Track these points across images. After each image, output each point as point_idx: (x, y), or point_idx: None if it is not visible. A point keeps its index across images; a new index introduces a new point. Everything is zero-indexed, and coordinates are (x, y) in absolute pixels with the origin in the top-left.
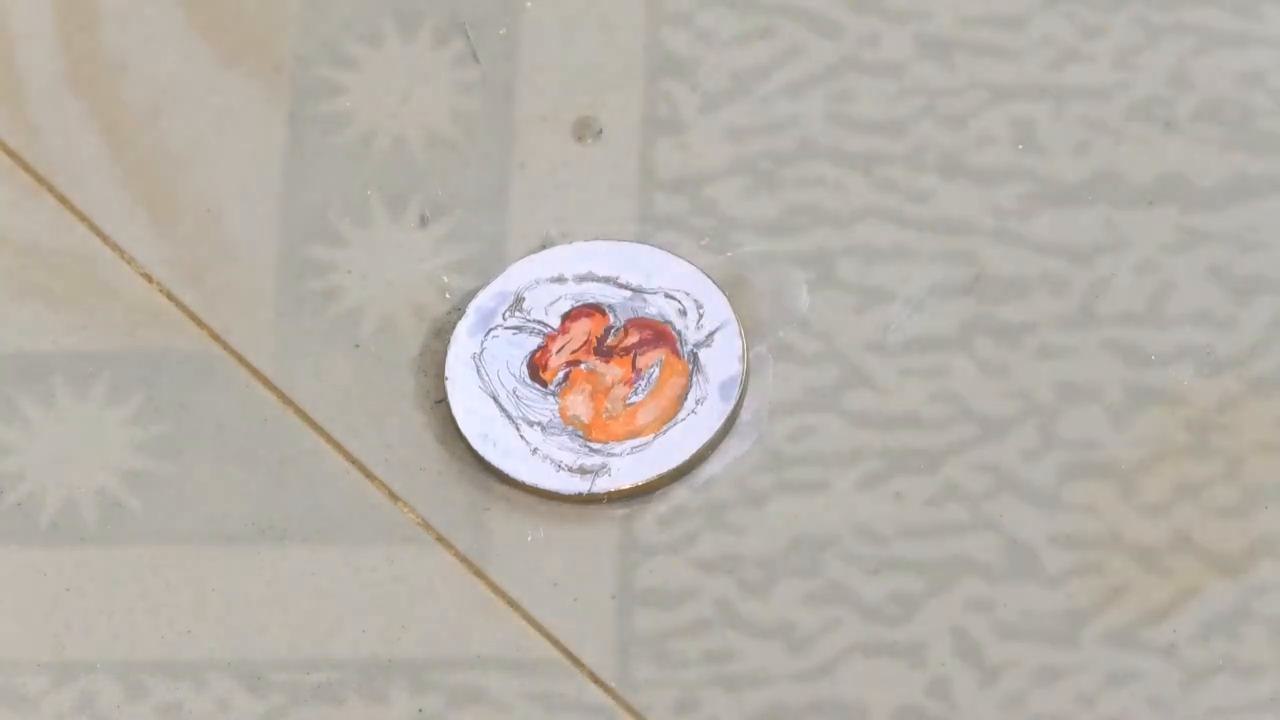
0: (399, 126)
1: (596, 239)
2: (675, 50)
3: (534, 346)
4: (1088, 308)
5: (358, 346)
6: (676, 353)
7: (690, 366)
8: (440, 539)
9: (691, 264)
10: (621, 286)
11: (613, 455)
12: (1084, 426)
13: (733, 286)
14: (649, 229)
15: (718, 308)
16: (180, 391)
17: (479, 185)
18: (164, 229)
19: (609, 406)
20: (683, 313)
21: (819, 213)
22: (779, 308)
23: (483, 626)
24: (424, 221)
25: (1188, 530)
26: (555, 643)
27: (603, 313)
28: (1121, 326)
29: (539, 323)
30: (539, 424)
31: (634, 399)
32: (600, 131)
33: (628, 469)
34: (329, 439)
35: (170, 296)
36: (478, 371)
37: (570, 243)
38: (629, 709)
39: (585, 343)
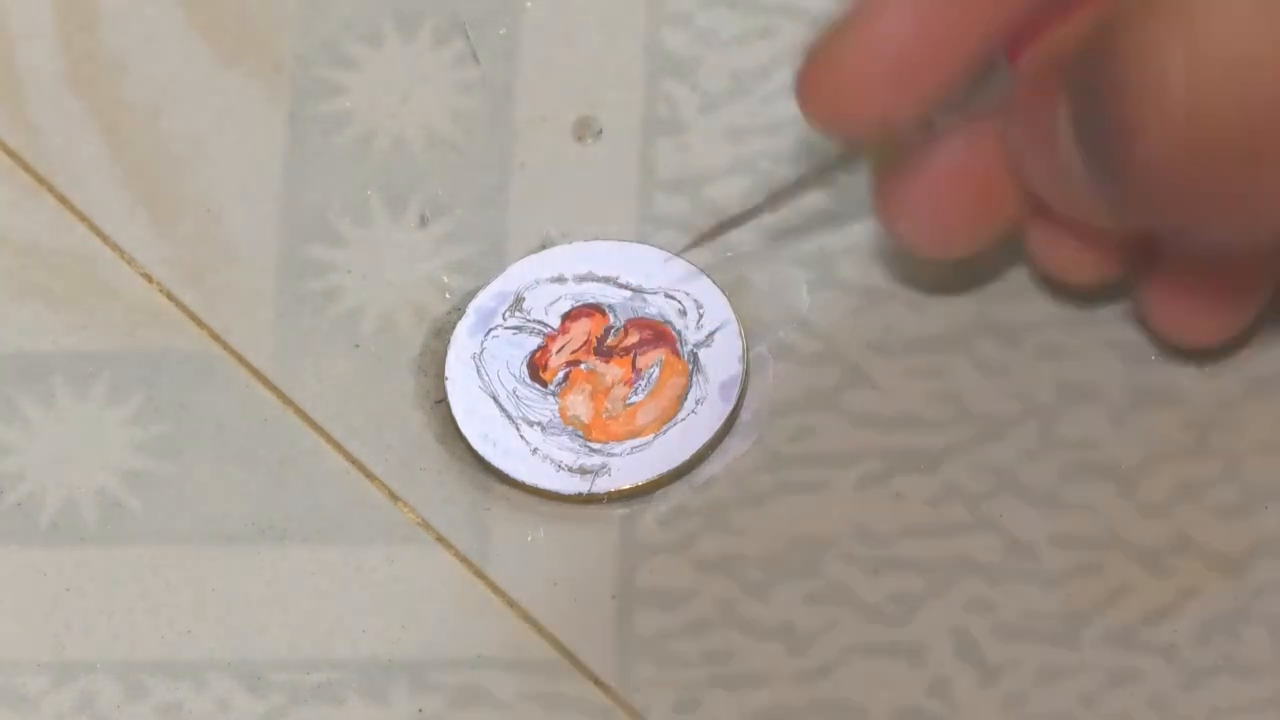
0: (399, 126)
1: (596, 239)
2: (675, 50)
3: (534, 346)
4: (1088, 307)
5: (358, 346)
6: (676, 353)
7: (690, 366)
8: (440, 539)
9: (692, 264)
10: (621, 286)
11: (613, 455)
12: (1084, 426)
13: (733, 286)
14: (649, 229)
15: (718, 308)
16: (180, 391)
17: (479, 185)
18: (164, 229)
19: (609, 406)
20: (683, 313)
21: (819, 213)
22: (779, 308)
23: (483, 626)
24: (424, 221)
25: (1188, 530)
26: (555, 643)
27: (603, 313)
28: (1122, 326)
29: (539, 323)
30: (539, 424)
31: (634, 399)
32: (600, 131)
33: (628, 469)
34: (329, 439)
35: (170, 296)
36: (478, 371)
37: (570, 243)
38: (629, 709)
39: (585, 343)
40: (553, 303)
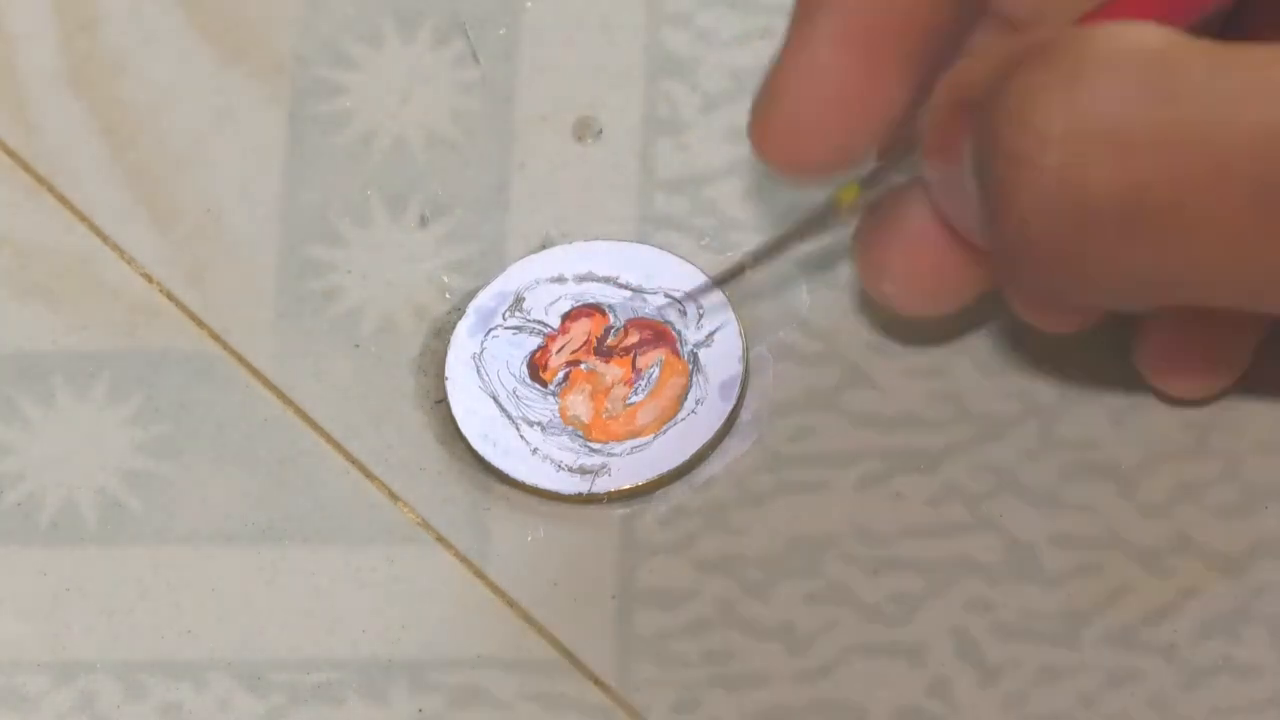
0: (399, 126)
1: (596, 239)
2: (675, 50)
3: (534, 346)
4: None
5: (358, 346)
6: (676, 353)
7: (690, 366)
8: (440, 539)
9: (691, 264)
10: (621, 286)
11: (613, 455)
12: (1084, 426)
13: (733, 287)
14: (649, 229)
15: (718, 308)
16: (180, 391)
17: (479, 185)
18: (164, 229)
19: (609, 406)
20: (683, 313)
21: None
22: (779, 308)
23: (483, 626)
24: (424, 221)
25: (1188, 530)
26: (555, 643)
27: (603, 313)
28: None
29: (539, 323)
30: (539, 424)
31: (634, 399)
32: (600, 131)
33: (628, 469)
34: (329, 439)
35: (170, 296)
36: (478, 371)
37: (570, 243)
38: (629, 709)
39: (585, 343)
40: (553, 303)
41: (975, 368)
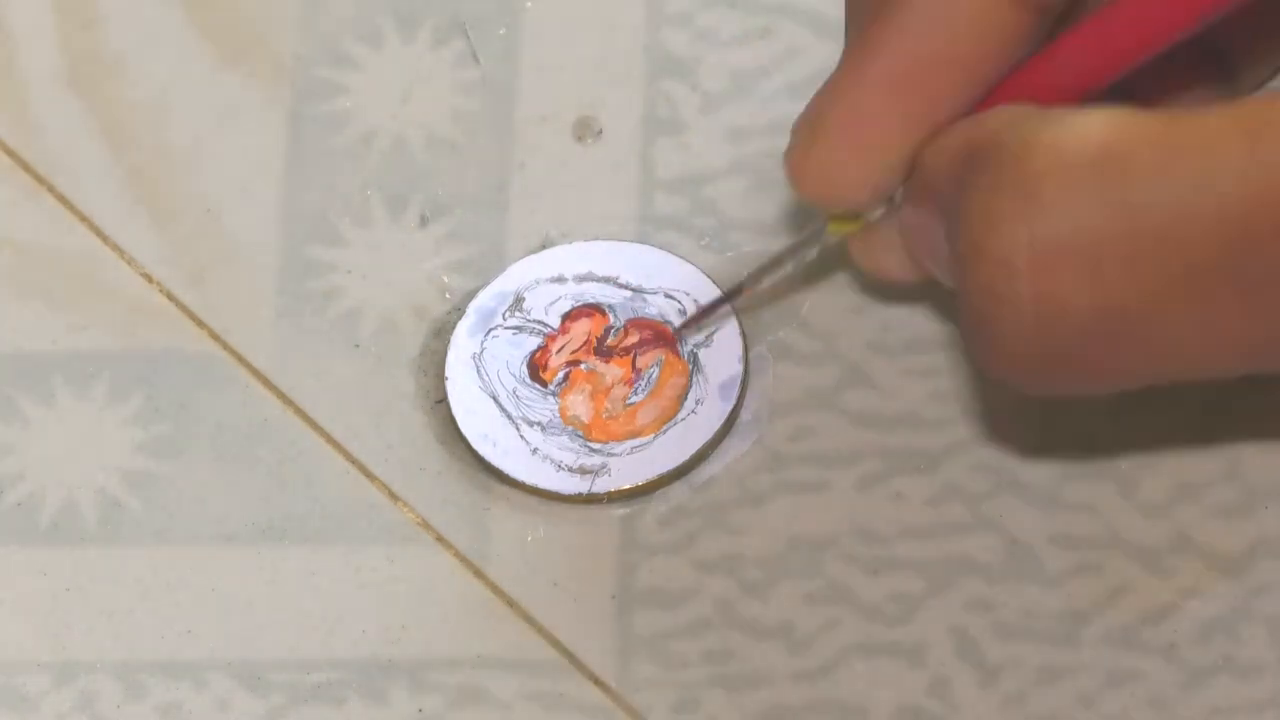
0: (399, 126)
1: (596, 239)
2: (675, 50)
3: (534, 346)
4: None
5: (358, 346)
6: (676, 353)
7: (690, 366)
8: (440, 539)
9: (691, 264)
10: (621, 286)
11: (613, 455)
12: (1084, 426)
13: (733, 289)
14: (649, 229)
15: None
16: (180, 391)
17: (479, 185)
18: (164, 229)
19: (609, 406)
20: (683, 313)
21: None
22: (779, 308)
23: (483, 626)
24: (424, 221)
25: (1188, 530)
26: (555, 643)
27: (603, 313)
28: None
29: (539, 323)
30: (539, 424)
31: (634, 399)
32: (600, 131)
33: (628, 469)
34: (329, 439)
35: (170, 296)
36: (478, 371)
37: (570, 243)
38: (629, 709)
39: (585, 343)
40: (553, 303)
41: (975, 367)
